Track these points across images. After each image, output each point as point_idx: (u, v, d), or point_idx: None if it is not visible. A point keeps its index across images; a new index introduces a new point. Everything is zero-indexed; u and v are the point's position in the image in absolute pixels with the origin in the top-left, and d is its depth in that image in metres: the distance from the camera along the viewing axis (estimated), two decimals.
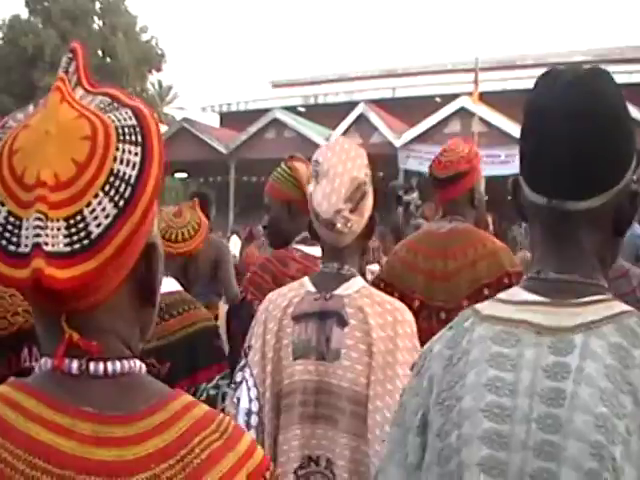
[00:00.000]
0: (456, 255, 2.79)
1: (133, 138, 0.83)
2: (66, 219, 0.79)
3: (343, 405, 1.98)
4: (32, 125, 0.83)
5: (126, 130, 0.84)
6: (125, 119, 0.85)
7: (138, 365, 0.89)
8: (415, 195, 6.09)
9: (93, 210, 0.79)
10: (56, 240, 0.78)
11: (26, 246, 0.78)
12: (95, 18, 34.41)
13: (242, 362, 2.13)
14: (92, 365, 0.84)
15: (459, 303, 2.58)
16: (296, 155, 3.06)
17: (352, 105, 21.43)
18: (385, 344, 1.97)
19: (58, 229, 0.78)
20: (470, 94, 17.66)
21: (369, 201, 2.07)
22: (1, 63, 32.27)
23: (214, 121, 28.99)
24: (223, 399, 2.21)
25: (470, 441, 1.09)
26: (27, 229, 0.78)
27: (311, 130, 21.67)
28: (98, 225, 0.79)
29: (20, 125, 0.84)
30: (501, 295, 1.22)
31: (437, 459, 1.13)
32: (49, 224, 0.78)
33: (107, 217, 0.79)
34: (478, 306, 1.22)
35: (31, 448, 0.77)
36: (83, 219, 0.79)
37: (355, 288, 2.06)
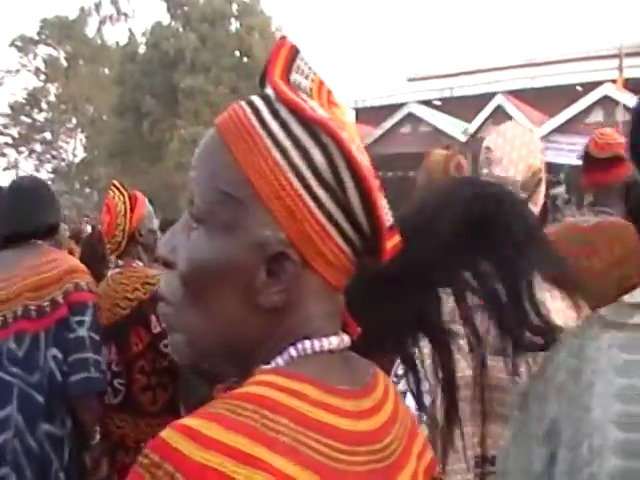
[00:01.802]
0: (601, 253, 2.63)
1: None
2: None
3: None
4: (347, 121, 0.90)
5: None
6: None
7: None
8: (562, 189, 5.84)
9: None
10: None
11: (388, 221, 0.88)
12: (232, 20, 35.28)
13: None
14: (346, 338, 0.89)
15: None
16: (453, 145, 2.97)
17: (489, 97, 21.05)
18: None
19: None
20: (614, 81, 17.02)
21: (542, 188, 1.96)
22: (145, 67, 33.63)
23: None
24: None
25: (601, 452, 1.03)
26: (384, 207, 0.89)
27: (447, 123, 21.44)
28: None
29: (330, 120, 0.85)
30: (625, 297, 1.14)
31: (569, 470, 1.07)
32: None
33: None
34: (602, 311, 1.15)
35: (327, 432, 0.79)
36: None
37: None
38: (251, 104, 0.87)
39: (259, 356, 0.85)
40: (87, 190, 42.58)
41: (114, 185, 3.41)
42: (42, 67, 42.89)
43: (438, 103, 24.41)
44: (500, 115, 20.23)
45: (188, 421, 0.74)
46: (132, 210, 3.33)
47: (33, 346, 2.65)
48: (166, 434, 0.73)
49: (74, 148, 44.14)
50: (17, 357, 2.64)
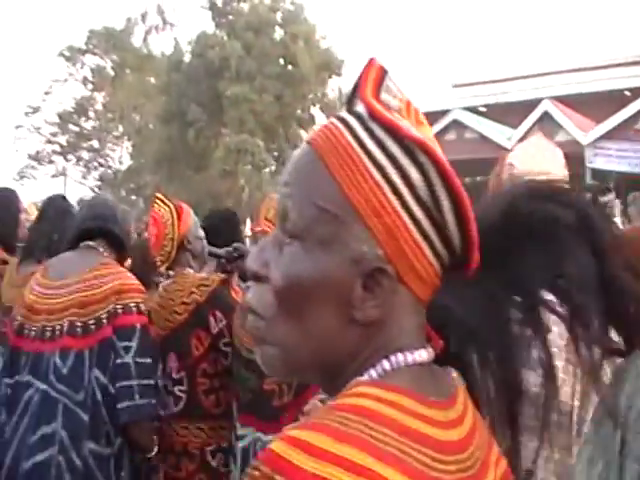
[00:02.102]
0: None
1: None
2: None
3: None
4: (433, 141, 0.90)
5: None
6: None
7: None
8: (612, 196, 5.73)
9: None
10: None
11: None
12: (277, 28, 35.44)
13: None
14: (431, 351, 0.91)
15: None
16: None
17: (536, 103, 20.84)
18: None
19: None
20: None
21: None
22: (191, 75, 33.92)
23: None
24: None
25: None
26: None
27: (492, 130, 21.27)
28: None
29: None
30: None
31: None
32: None
33: None
34: None
35: (426, 442, 0.80)
36: None
37: None
38: (344, 122, 0.88)
39: (351, 368, 0.87)
40: (133, 197, 43.04)
41: (158, 198, 3.44)
42: (89, 76, 43.45)
43: (483, 109, 24.25)
44: (547, 121, 20.02)
45: (296, 432, 0.75)
46: (179, 219, 3.36)
47: (77, 364, 2.66)
48: (275, 446, 0.74)
49: (120, 156, 44.63)
50: (62, 373, 2.65)
